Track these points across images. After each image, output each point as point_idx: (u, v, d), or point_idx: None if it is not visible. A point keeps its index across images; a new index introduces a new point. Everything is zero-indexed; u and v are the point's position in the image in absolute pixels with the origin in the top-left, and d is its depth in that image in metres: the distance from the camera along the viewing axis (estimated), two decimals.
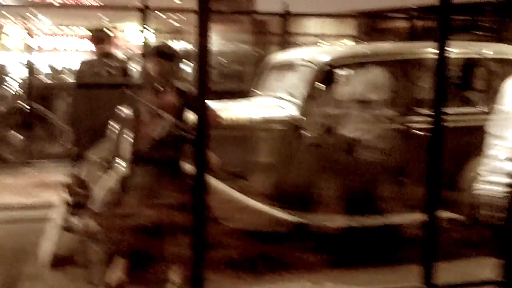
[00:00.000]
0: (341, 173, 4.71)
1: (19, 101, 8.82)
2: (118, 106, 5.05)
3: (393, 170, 4.79)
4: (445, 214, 4.82)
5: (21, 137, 8.58)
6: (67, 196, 4.66)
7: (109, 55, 5.75)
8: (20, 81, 9.77)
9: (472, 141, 4.93)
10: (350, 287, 4.24)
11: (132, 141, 4.20)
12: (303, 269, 4.55)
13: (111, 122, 5.29)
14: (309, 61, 4.82)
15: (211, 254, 3.95)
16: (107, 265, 4.29)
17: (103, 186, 4.34)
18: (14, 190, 7.11)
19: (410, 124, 4.80)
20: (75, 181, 5.15)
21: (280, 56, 5.79)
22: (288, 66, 5.30)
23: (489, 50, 5.21)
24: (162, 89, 4.08)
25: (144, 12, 6.17)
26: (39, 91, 9.10)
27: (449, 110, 4.79)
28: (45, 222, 5.43)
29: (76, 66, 6.25)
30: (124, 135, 4.51)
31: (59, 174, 7.54)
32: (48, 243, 4.62)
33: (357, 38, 11.84)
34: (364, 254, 4.71)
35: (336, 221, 4.59)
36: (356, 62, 4.80)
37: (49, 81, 10.49)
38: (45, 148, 8.59)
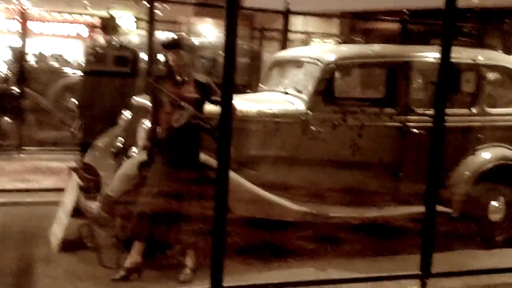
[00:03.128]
0: (345, 166, 4.98)
1: (8, 85, 8.82)
2: (132, 95, 5.22)
3: (393, 165, 5.08)
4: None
5: (11, 121, 8.60)
6: (78, 181, 4.80)
7: (114, 43, 5.90)
8: (9, 64, 9.77)
9: (462, 141, 5.26)
10: (352, 274, 4.45)
11: (152, 129, 4.36)
12: (307, 256, 4.82)
13: (123, 110, 5.46)
14: (317, 59, 5.04)
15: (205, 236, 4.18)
16: (119, 248, 4.48)
17: (120, 172, 4.49)
18: (9, 175, 7.19)
19: (410, 123, 5.07)
20: (82, 167, 5.33)
21: (284, 53, 6.01)
22: (293, 63, 5.52)
23: (481, 56, 5.52)
24: (182, 79, 4.26)
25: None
26: (29, 75, 9.11)
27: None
28: (46, 206, 5.59)
29: (71, 52, 6.37)
30: (142, 124, 4.68)
31: (53, 160, 7.69)
32: (59, 227, 4.76)
33: (340, 38, 12.16)
34: (365, 243, 5.01)
35: (340, 212, 4.84)
36: (361, 62, 5.04)
37: (37, 66, 10.51)
38: (37, 134, 8.65)
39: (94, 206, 4.48)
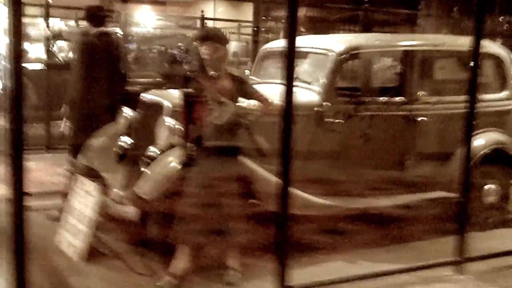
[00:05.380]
0: (360, 157, 5.01)
1: None
2: (142, 94, 4.91)
3: (404, 154, 5.17)
4: (441, 194, 5.33)
5: None
6: (99, 186, 4.46)
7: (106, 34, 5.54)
8: None
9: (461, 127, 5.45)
10: (384, 265, 4.48)
11: (185, 128, 4.11)
12: (328, 250, 4.81)
13: (122, 107, 5.12)
14: (327, 49, 5.00)
15: (249, 237, 4.08)
16: (141, 254, 4.23)
17: (152, 173, 4.20)
18: None
19: (417, 112, 5.18)
20: (84, 170, 4.95)
21: (277, 44, 5.91)
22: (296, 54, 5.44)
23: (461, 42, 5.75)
24: (217, 74, 4.05)
25: None
26: None
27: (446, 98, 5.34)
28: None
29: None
30: (163, 122, 4.41)
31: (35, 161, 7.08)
32: (76, 235, 4.41)
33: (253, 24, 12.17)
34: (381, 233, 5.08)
35: (359, 203, 4.86)
36: (372, 52, 5.07)
37: None
38: None
39: (129, 210, 4.17)
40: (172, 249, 4.13)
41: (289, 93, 3.57)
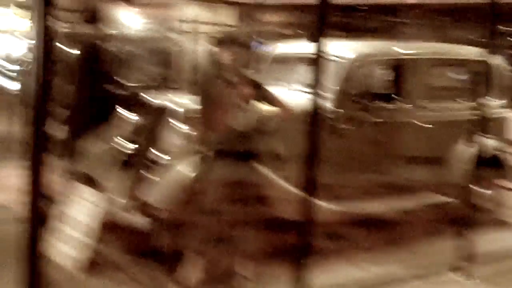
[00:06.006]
0: (369, 162, 4.99)
1: None
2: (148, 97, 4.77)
3: (410, 159, 5.18)
4: (439, 198, 5.37)
5: None
6: (107, 194, 4.30)
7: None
8: None
9: (456, 133, 5.50)
10: (390, 268, 4.47)
11: (203, 134, 4.00)
12: (338, 254, 4.76)
13: (117, 108, 4.94)
14: (338, 56, 4.96)
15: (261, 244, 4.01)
16: (141, 264, 4.11)
17: (166, 182, 4.06)
18: None
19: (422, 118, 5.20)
20: (81, 177, 4.76)
21: (283, 49, 5.85)
22: (300, 60, 5.38)
23: (466, 51, 5.80)
24: (237, 79, 3.95)
25: None
26: None
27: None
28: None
29: None
30: (174, 128, 4.28)
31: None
32: (75, 247, 4.22)
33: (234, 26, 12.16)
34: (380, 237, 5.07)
35: (370, 207, 4.84)
36: (381, 59, 5.06)
37: None
38: None
39: (141, 220, 4.02)
40: (181, 259, 4.02)
41: (316, 99, 3.48)
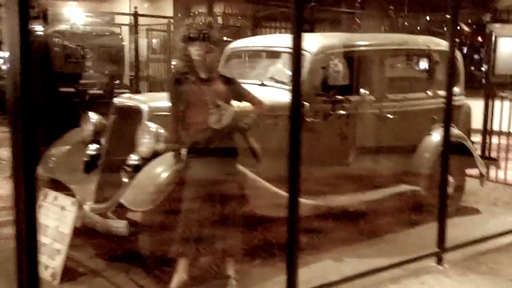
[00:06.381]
0: (337, 156, 5.02)
1: None
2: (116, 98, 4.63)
3: (377, 151, 5.24)
4: (406, 187, 5.46)
5: None
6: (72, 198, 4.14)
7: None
8: None
9: (421, 122, 5.61)
10: (370, 260, 4.49)
11: (176, 133, 3.90)
12: (317, 249, 4.79)
13: (88, 112, 4.80)
14: (303, 49, 4.92)
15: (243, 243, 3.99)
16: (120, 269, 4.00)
17: (140, 183, 3.94)
18: None
19: (385, 110, 5.27)
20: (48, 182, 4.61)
21: (246, 43, 5.78)
22: (264, 54, 5.35)
23: (428, 42, 5.92)
24: (209, 76, 3.86)
25: None
26: None
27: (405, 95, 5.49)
28: None
29: None
30: (146, 128, 4.16)
31: None
32: (50, 255, 4.05)
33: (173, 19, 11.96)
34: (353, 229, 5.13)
35: (342, 200, 4.87)
36: (347, 51, 5.07)
37: None
38: None
39: (120, 225, 3.89)
40: (160, 262, 3.94)
41: (296, 94, 3.45)
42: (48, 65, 5.31)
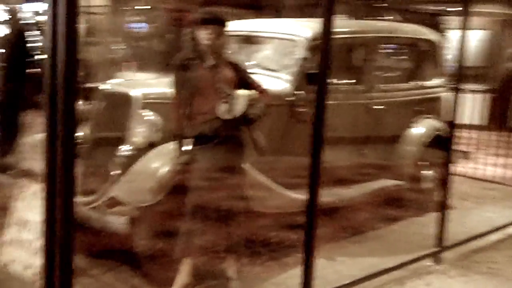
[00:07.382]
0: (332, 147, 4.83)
1: None
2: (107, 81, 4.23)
3: (367, 142, 5.11)
4: (389, 182, 5.37)
5: None
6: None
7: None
8: None
9: (406, 115, 5.51)
10: (365, 259, 4.36)
11: (180, 122, 3.56)
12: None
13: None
14: (294, 35, 4.70)
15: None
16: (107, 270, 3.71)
17: (135, 176, 3.59)
18: None
19: (375, 100, 5.13)
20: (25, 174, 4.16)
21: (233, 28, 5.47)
22: (251, 40, 5.07)
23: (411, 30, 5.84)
24: (216, 62, 3.55)
25: None
26: None
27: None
28: None
29: None
30: (140, 116, 3.80)
31: None
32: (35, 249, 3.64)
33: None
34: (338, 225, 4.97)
35: (332, 194, 4.69)
36: (340, 37, 4.86)
37: None
38: None
39: (119, 221, 3.52)
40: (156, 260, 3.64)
41: (323, 82, 3.22)
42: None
